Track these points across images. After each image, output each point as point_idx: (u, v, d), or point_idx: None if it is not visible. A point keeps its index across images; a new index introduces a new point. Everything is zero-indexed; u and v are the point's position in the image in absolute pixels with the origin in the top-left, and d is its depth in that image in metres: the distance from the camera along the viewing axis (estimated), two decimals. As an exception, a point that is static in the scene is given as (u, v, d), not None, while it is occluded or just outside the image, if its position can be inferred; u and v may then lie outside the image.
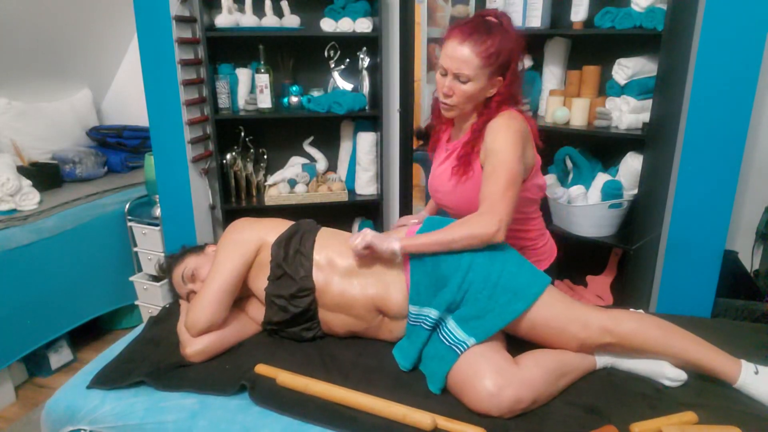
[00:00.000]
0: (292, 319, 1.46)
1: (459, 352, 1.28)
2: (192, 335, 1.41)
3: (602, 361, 1.37)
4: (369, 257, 1.42)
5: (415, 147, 2.89)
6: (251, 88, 2.53)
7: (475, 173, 1.48)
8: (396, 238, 1.37)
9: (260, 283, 1.48)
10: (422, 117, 4.62)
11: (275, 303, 1.45)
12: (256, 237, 1.50)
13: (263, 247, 1.50)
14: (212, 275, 1.44)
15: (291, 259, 1.46)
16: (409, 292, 1.39)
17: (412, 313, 1.38)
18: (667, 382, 1.31)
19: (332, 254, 1.47)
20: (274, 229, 1.53)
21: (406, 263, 1.42)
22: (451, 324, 1.33)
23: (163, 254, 2.54)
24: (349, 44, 2.55)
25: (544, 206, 2.33)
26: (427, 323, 1.35)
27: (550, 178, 2.26)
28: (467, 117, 1.52)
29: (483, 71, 1.39)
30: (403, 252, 1.36)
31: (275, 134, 2.71)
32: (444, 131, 1.65)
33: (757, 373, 1.27)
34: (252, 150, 2.61)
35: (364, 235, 1.38)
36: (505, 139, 1.38)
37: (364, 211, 2.80)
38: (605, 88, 2.14)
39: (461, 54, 1.37)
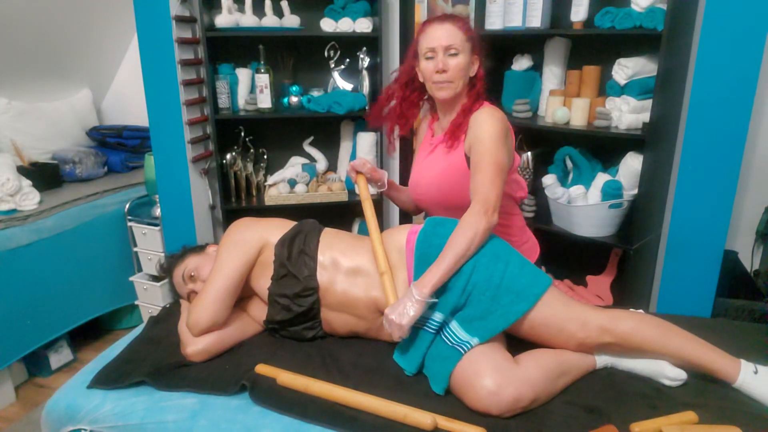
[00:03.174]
0: (295, 318, 1.46)
1: (462, 352, 1.28)
2: (193, 335, 1.41)
3: (602, 360, 1.37)
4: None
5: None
6: (251, 88, 2.53)
7: (458, 153, 1.52)
8: (416, 290, 1.27)
9: (263, 282, 1.48)
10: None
11: (278, 302, 1.45)
12: (258, 237, 1.50)
13: (266, 247, 1.50)
14: (214, 275, 1.44)
15: (295, 259, 1.46)
16: None
17: None
18: (666, 382, 1.31)
19: (336, 254, 1.48)
20: (276, 228, 1.53)
21: (410, 265, 1.42)
22: (453, 325, 1.33)
23: (163, 254, 2.54)
24: (349, 44, 2.55)
25: (545, 206, 2.34)
26: (432, 326, 1.35)
27: (550, 178, 2.26)
28: (452, 107, 1.56)
29: (466, 45, 1.49)
30: (432, 292, 1.28)
31: (275, 134, 2.71)
32: (429, 125, 1.70)
33: (756, 372, 1.27)
34: (252, 150, 2.61)
35: (400, 328, 1.27)
36: (490, 127, 1.43)
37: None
38: (605, 88, 2.14)
39: (445, 30, 1.47)
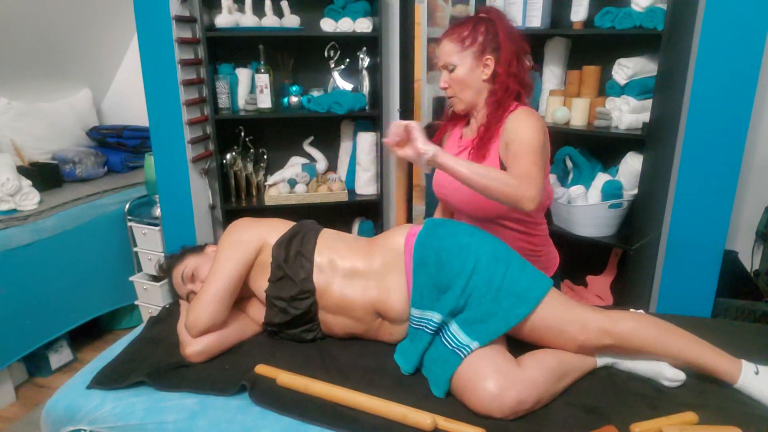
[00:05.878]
0: (293, 321, 1.46)
1: (462, 356, 1.27)
2: (192, 335, 1.41)
3: (602, 360, 1.37)
4: (398, 148, 1.32)
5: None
6: (251, 88, 2.53)
7: (489, 158, 1.49)
8: (435, 147, 1.29)
9: (261, 283, 1.48)
10: (422, 117, 4.63)
11: (275, 305, 1.45)
12: (257, 237, 1.50)
13: (264, 247, 1.49)
14: (213, 275, 1.44)
15: (292, 261, 1.45)
16: (412, 295, 1.38)
17: (414, 317, 1.38)
18: (665, 383, 1.31)
19: (334, 256, 1.47)
20: (275, 229, 1.53)
21: (408, 266, 1.41)
22: (453, 327, 1.33)
23: (163, 254, 2.54)
24: (349, 44, 2.55)
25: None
26: (430, 327, 1.35)
27: (551, 178, 2.26)
28: (480, 111, 1.55)
29: (464, 54, 1.48)
30: (434, 161, 1.29)
31: (275, 134, 2.71)
32: (457, 128, 1.67)
33: (757, 373, 1.27)
34: (252, 150, 2.61)
35: (410, 124, 1.30)
36: (529, 126, 1.40)
37: (364, 211, 2.80)
38: (605, 88, 2.14)
39: (442, 48, 1.51)
